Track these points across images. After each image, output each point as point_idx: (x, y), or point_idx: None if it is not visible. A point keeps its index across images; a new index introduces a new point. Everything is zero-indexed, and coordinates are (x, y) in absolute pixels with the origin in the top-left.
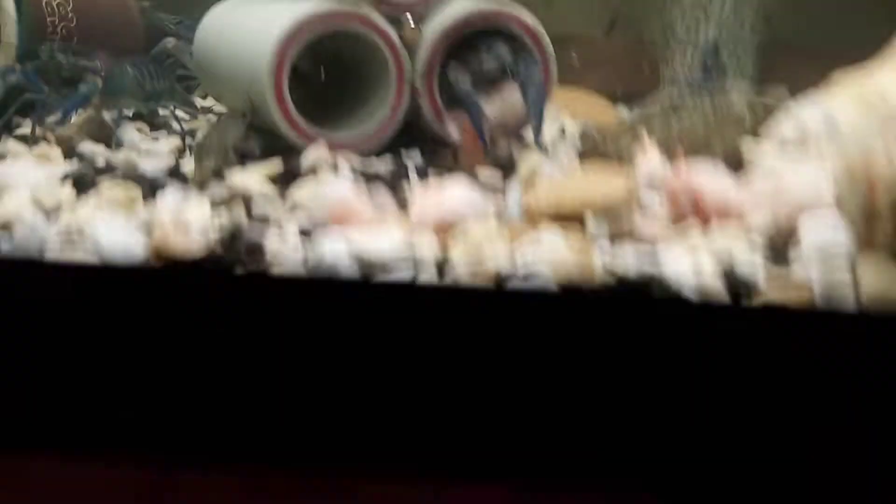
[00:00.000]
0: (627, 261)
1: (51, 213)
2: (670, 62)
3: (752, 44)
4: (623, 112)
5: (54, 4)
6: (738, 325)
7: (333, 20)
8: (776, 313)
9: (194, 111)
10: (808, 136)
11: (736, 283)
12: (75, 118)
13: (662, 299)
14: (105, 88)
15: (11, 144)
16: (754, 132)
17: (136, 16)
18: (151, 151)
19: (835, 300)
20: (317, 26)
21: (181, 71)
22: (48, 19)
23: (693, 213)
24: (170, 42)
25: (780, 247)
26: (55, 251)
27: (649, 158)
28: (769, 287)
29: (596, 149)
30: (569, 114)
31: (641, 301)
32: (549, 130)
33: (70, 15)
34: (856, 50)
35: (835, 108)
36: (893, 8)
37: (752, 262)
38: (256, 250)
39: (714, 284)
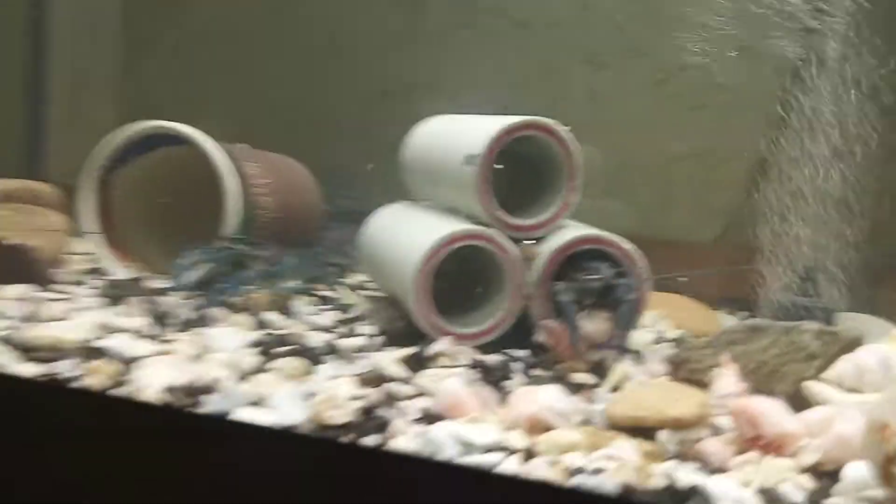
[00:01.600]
0: (683, 475)
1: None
2: (771, 278)
3: (853, 267)
4: (723, 319)
5: (264, 201)
6: None
7: (468, 239)
8: None
9: (337, 290)
10: (864, 374)
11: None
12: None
13: None
14: (271, 272)
15: (216, 311)
16: (822, 365)
17: (319, 207)
18: (316, 324)
19: None
20: (455, 243)
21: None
22: (259, 212)
23: (753, 439)
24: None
25: (826, 480)
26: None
27: (727, 379)
28: None
29: (687, 361)
30: (671, 321)
31: None
32: (647, 336)
33: (274, 210)
34: None
35: (891, 353)
36: None
37: (793, 493)
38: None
39: (751, 500)
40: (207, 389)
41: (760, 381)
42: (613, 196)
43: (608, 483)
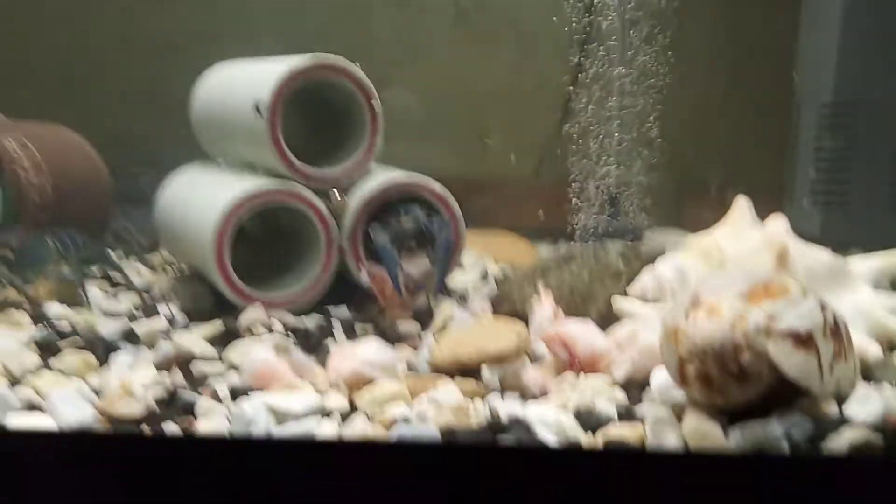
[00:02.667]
0: (505, 408)
1: (17, 380)
2: (583, 202)
3: (651, 187)
4: (544, 252)
5: (31, 177)
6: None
7: (269, 197)
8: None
9: (123, 275)
10: (664, 286)
11: (589, 421)
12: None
13: (521, 440)
14: (21, 261)
15: None
16: (628, 280)
17: (106, 181)
18: (111, 311)
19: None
20: (254, 202)
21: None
22: (25, 191)
23: (568, 363)
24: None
25: (636, 390)
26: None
27: (543, 309)
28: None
29: (507, 296)
30: (492, 257)
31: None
32: (471, 276)
33: (45, 186)
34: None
35: (685, 263)
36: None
37: (607, 407)
38: (189, 410)
39: (568, 422)
40: None
41: (576, 305)
42: (428, 139)
43: (428, 429)
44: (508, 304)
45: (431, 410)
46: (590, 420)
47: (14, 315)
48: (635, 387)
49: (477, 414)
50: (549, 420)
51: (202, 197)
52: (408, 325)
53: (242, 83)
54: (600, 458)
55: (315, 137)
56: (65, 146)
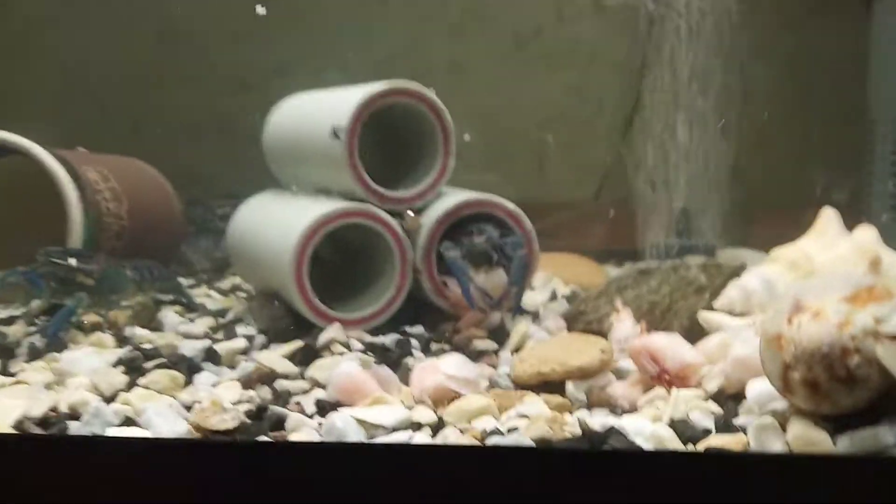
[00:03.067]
0: (595, 420)
1: (109, 398)
2: (650, 223)
3: (724, 207)
4: (611, 272)
5: (111, 207)
6: (685, 468)
7: (345, 217)
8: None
9: (193, 304)
10: (751, 297)
11: (686, 433)
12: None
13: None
14: (100, 288)
15: (72, 332)
16: (712, 296)
17: (178, 211)
18: (189, 333)
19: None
20: (331, 222)
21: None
22: (105, 220)
23: (657, 376)
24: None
25: (731, 402)
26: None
27: (623, 324)
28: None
29: (582, 313)
30: (560, 279)
31: (601, 449)
32: (541, 296)
33: (123, 215)
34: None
35: (772, 274)
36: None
37: (703, 419)
38: (279, 425)
39: (666, 433)
40: (70, 416)
41: (656, 320)
42: (489, 168)
43: (524, 440)
44: (584, 321)
45: (521, 424)
46: (687, 432)
47: (99, 337)
48: (729, 400)
49: (568, 427)
50: (646, 431)
51: (279, 220)
52: (483, 343)
53: (319, 110)
54: (706, 462)
55: (390, 161)
56: (141, 178)
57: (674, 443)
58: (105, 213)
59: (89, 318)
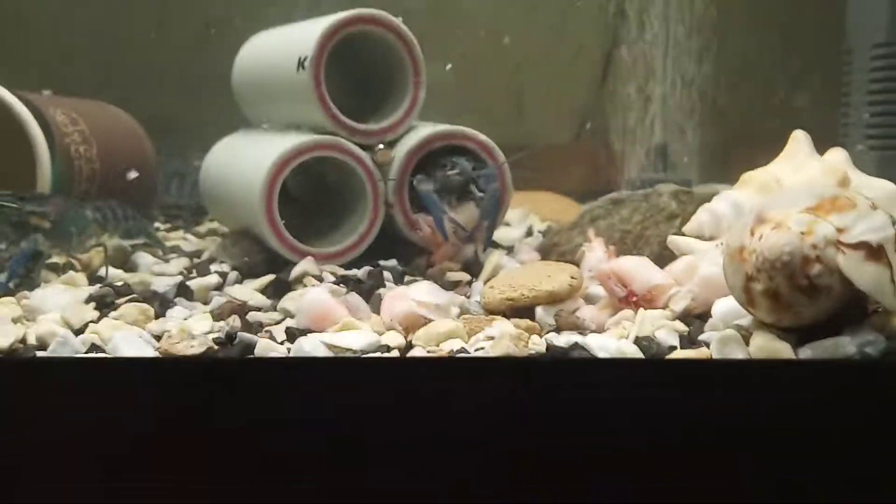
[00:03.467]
0: (562, 340)
1: (78, 331)
2: (628, 162)
3: (701, 144)
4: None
5: (81, 150)
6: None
7: (314, 150)
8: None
9: (162, 247)
10: (721, 220)
11: (650, 349)
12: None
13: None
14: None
15: (43, 272)
16: (683, 222)
17: (151, 155)
18: (163, 272)
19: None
20: (300, 156)
21: None
22: (75, 163)
23: (624, 299)
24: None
25: (698, 321)
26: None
27: (595, 252)
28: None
29: (556, 245)
30: (538, 215)
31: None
32: (517, 232)
33: (94, 158)
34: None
35: (741, 197)
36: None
37: (668, 337)
38: (248, 351)
39: (630, 349)
40: (38, 346)
41: (628, 248)
42: (467, 109)
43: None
44: (558, 253)
45: (488, 345)
46: (651, 348)
47: (71, 276)
48: (696, 319)
49: (535, 346)
50: (610, 347)
51: (249, 157)
52: (457, 275)
53: (285, 43)
54: (668, 370)
55: (359, 94)
56: (112, 122)
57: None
58: (75, 156)
59: (61, 259)
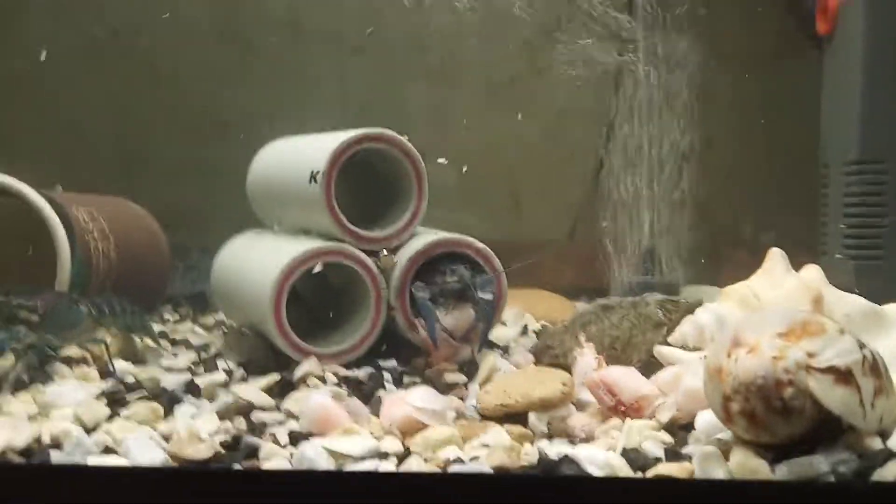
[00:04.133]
0: (553, 449)
1: (91, 429)
2: (620, 264)
3: (689, 246)
4: (581, 308)
5: (99, 246)
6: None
7: (322, 256)
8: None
9: (158, 344)
10: (704, 331)
11: (637, 461)
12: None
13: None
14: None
15: (58, 366)
16: (669, 330)
17: (166, 249)
18: (172, 367)
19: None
20: (309, 262)
21: None
22: (93, 258)
23: (613, 407)
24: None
25: (682, 432)
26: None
27: (585, 358)
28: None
29: (548, 347)
30: (532, 314)
31: (555, 477)
32: (512, 331)
33: (111, 253)
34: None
35: (724, 310)
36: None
37: (654, 448)
38: (253, 454)
39: (617, 462)
40: (52, 445)
41: (617, 354)
42: (464, 208)
43: (483, 468)
44: (550, 355)
45: (483, 453)
46: (638, 460)
47: (84, 371)
48: (680, 430)
49: (527, 456)
50: (599, 460)
51: (260, 258)
52: (454, 377)
53: (298, 156)
54: (651, 488)
55: (366, 203)
56: (129, 218)
57: (625, 471)
58: (94, 253)
59: (73, 352)
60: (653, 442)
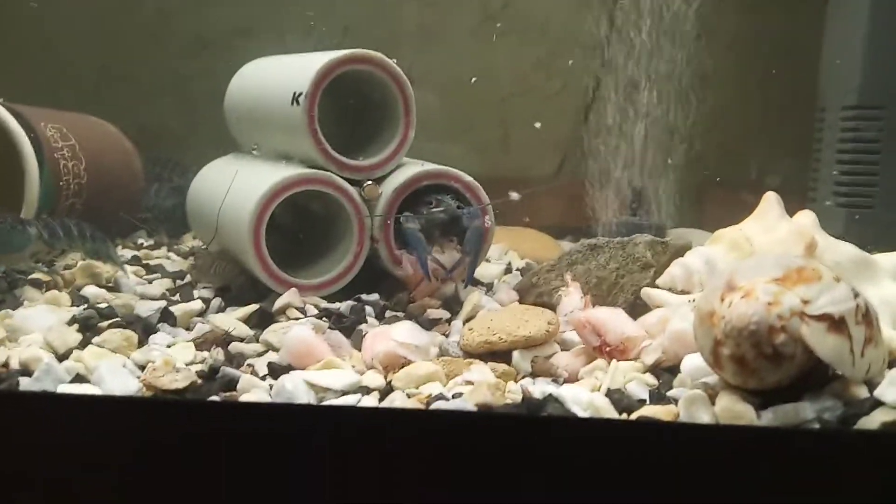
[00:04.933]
0: (537, 388)
1: (62, 356)
2: (605, 202)
3: (677, 187)
4: (567, 247)
5: (69, 165)
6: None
7: (304, 184)
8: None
9: (118, 264)
10: (693, 275)
11: (621, 403)
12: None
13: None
14: None
15: (28, 290)
16: (657, 273)
17: (140, 170)
18: (146, 294)
19: (693, 416)
20: (290, 189)
21: None
22: (63, 177)
23: (598, 348)
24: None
25: (667, 375)
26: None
27: (571, 297)
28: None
29: (534, 286)
30: (517, 252)
31: (539, 416)
32: (496, 268)
33: (82, 173)
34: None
35: (714, 253)
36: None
37: (638, 390)
38: (231, 386)
39: (601, 402)
40: (21, 371)
41: (603, 295)
42: (452, 138)
43: (466, 405)
44: (535, 294)
45: (466, 390)
46: (622, 402)
47: (55, 295)
48: (665, 372)
49: (511, 394)
50: (583, 400)
51: (238, 184)
52: (437, 313)
53: (280, 76)
54: (635, 429)
55: (350, 129)
56: (101, 137)
57: (609, 412)
58: (63, 172)
59: (44, 277)
60: (637, 384)
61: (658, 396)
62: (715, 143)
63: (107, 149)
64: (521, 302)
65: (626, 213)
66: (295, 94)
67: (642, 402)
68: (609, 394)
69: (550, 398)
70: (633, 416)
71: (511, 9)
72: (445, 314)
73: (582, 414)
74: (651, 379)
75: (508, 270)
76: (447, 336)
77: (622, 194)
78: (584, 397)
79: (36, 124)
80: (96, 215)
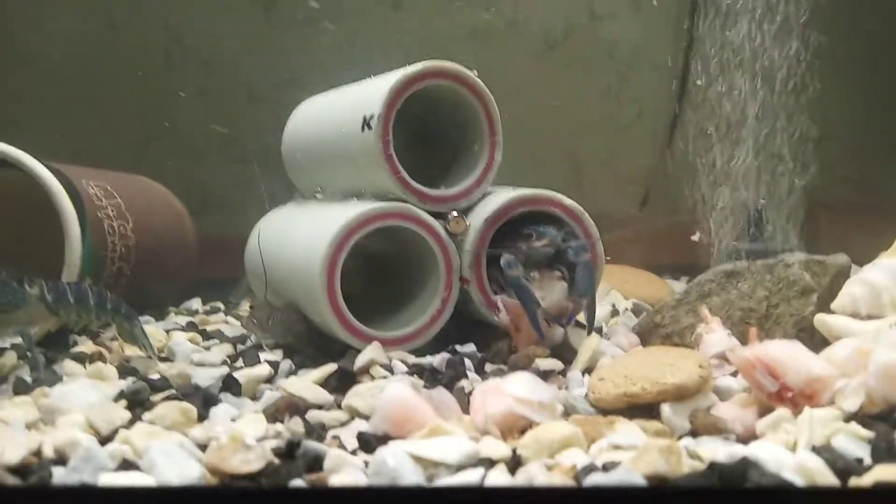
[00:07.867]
0: (710, 450)
1: (106, 438)
2: (712, 232)
3: (795, 208)
4: (673, 285)
5: (115, 225)
6: None
7: (382, 219)
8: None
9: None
10: (881, 294)
11: (837, 463)
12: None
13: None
14: None
15: (68, 364)
16: (822, 297)
17: (192, 232)
18: (203, 361)
19: None
20: (367, 225)
21: None
22: (108, 239)
23: (776, 394)
24: None
25: (880, 424)
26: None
27: (715, 335)
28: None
29: (658, 325)
30: (619, 291)
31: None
32: (602, 310)
33: (130, 234)
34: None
35: None
36: None
37: (852, 446)
38: (316, 464)
39: (813, 464)
40: (56, 460)
41: (753, 324)
42: (519, 178)
43: (633, 478)
44: (661, 335)
45: (619, 457)
46: (836, 462)
47: (98, 368)
48: (877, 420)
49: (687, 462)
50: (787, 462)
51: (306, 228)
52: (548, 363)
53: (347, 101)
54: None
55: (425, 156)
56: (149, 196)
57: (825, 475)
58: (108, 232)
59: (88, 348)
60: (847, 437)
61: (886, 452)
62: (825, 163)
63: (156, 209)
64: (643, 345)
65: (743, 240)
66: (365, 117)
67: (860, 462)
68: (816, 452)
69: (746, 462)
70: (866, 482)
71: (575, 36)
72: (558, 364)
73: (795, 481)
74: (861, 430)
75: (615, 312)
76: (565, 389)
77: (737, 220)
78: (788, 458)
79: (77, 181)
80: (147, 282)
